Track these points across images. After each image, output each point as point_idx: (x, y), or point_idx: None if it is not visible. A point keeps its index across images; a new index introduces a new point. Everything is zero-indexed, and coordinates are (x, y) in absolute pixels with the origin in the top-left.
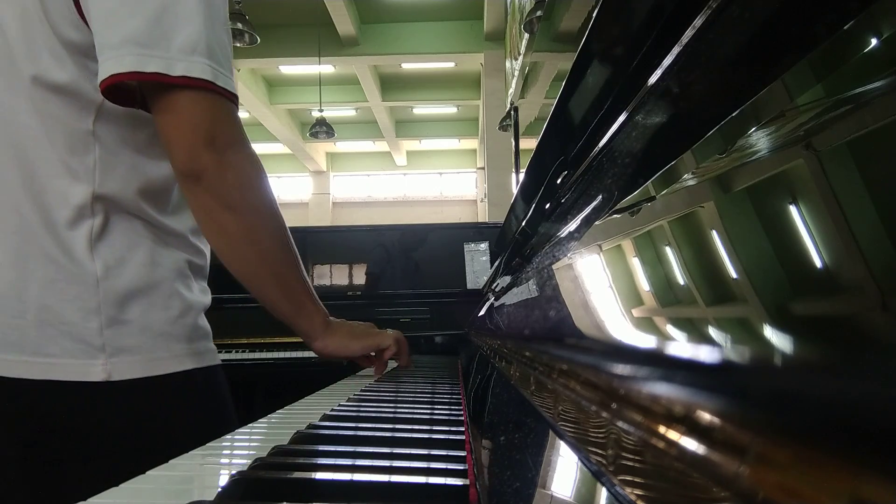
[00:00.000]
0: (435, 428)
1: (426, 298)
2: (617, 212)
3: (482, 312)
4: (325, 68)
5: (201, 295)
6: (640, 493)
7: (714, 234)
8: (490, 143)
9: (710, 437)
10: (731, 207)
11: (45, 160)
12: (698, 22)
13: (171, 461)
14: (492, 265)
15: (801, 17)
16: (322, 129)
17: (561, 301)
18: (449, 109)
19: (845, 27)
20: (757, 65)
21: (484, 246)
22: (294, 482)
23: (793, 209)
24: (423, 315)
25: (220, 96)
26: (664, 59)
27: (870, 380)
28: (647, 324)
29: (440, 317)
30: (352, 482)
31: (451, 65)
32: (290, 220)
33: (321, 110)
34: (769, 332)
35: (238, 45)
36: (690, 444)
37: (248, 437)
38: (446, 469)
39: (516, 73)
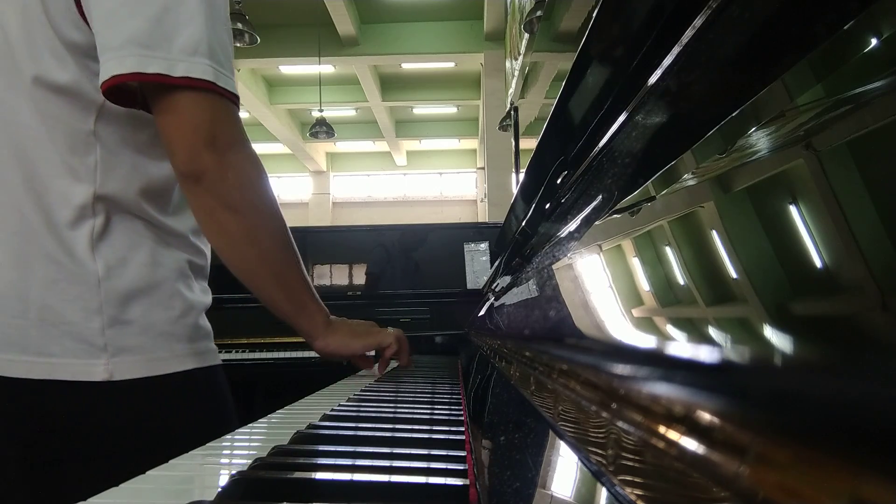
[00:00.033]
0: (435, 428)
1: (426, 298)
2: (617, 212)
3: (482, 312)
4: (325, 68)
5: (202, 295)
6: (640, 493)
7: (714, 234)
8: (490, 143)
9: (710, 437)
10: (731, 207)
11: (46, 160)
12: (698, 22)
13: (171, 461)
14: (492, 265)
15: (801, 17)
16: (322, 129)
17: (561, 301)
18: (449, 109)
19: (845, 27)
20: (757, 65)
21: (484, 246)
22: (294, 482)
23: (793, 209)
24: (423, 315)
25: (221, 97)
26: (664, 59)
27: (870, 380)
28: (647, 324)
29: (440, 317)
30: (352, 482)
31: (451, 65)
32: (290, 220)
33: (321, 110)
34: (769, 332)
35: (238, 45)
36: (690, 444)
37: (248, 437)
38: (446, 469)
39: (516, 73)
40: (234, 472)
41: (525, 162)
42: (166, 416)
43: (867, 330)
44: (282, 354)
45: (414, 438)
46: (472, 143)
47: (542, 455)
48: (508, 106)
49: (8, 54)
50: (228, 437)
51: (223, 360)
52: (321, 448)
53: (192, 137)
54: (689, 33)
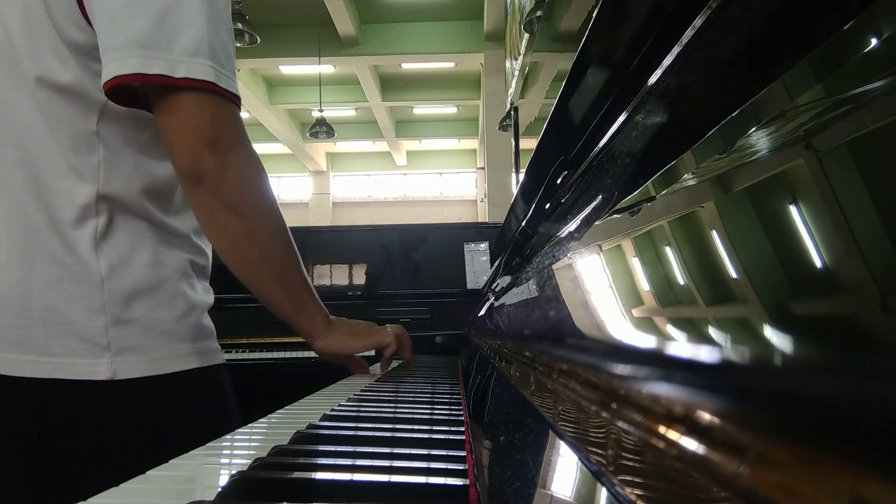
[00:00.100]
0: (435, 428)
1: (426, 298)
2: (617, 212)
3: (482, 312)
4: (325, 68)
5: (204, 294)
6: (640, 493)
7: (714, 234)
8: (490, 143)
9: (710, 437)
10: (731, 207)
11: (49, 160)
12: (698, 22)
13: (171, 461)
14: (492, 265)
15: (801, 17)
16: (322, 129)
17: (561, 301)
18: (449, 109)
19: (845, 27)
20: (757, 65)
21: (484, 246)
22: (294, 482)
23: (793, 209)
24: (423, 315)
25: (222, 98)
26: (664, 59)
27: (870, 380)
28: (647, 324)
29: (440, 317)
30: (352, 482)
31: (451, 65)
32: (290, 220)
33: (321, 110)
34: (769, 332)
35: (238, 45)
36: (690, 444)
37: (248, 437)
38: (446, 469)
39: (516, 73)
40: (234, 472)
41: (525, 162)
42: (169, 416)
43: (867, 330)
44: (282, 354)
45: (414, 438)
46: (472, 143)
47: (542, 455)
48: (508, 106)
49: (11, 55)
50: (228, 436)
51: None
52: (321, 448)
53: (193, 138)
54: (689, 33)
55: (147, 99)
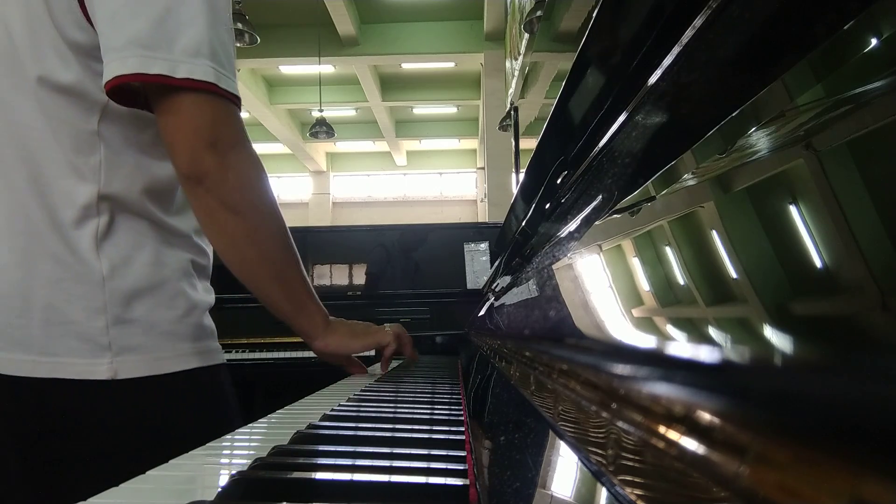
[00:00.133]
0: (435, 428)
1: (426, 298)
2: (617, 212)
3: (482, 312)
4: (325, 68)
5: (205, 294)
6: (640, 493)
7: (714, 234)
8: (490, 143)
9: (710, 437)
10: (731, 207)
11: (50, 160)
12: (698, 22)
13: (171, 461)
14: (492, 265)
15: (801, 17)
16: (322, 129)
17: (561, 301)
18: (449, 109)
19: (845, 27)
20: (757, 65)
21: (484, 246)
22: (294, 482)
23: (793, 209)
24: (423, 315)
25: (222, 98)
26: (664, 59)
27: (870, 380)
28: (647, 324)
29: (440, 317)
30: (352, 482)
31: (451, 65)
32: (290, 220)
33: (321, 110)
34: (769, 332)
35: (238, 45)
36: (690, 444)
37: (248, 436)
38: (446, 469)
39: (516, 73)
40: (233, 472)
41: (525, 162)
42: (169, 416)
43: (867, 330)
44: (282, 354)
45: (414, 438)
46: (472, 143)
47: (542, 455)
48: (508, 106)
49: (12, 55)
50: (228, 436)
51: None
52: (321, 448)
53: (194, 139)
54: (689, 33)
55: (148, 99)
